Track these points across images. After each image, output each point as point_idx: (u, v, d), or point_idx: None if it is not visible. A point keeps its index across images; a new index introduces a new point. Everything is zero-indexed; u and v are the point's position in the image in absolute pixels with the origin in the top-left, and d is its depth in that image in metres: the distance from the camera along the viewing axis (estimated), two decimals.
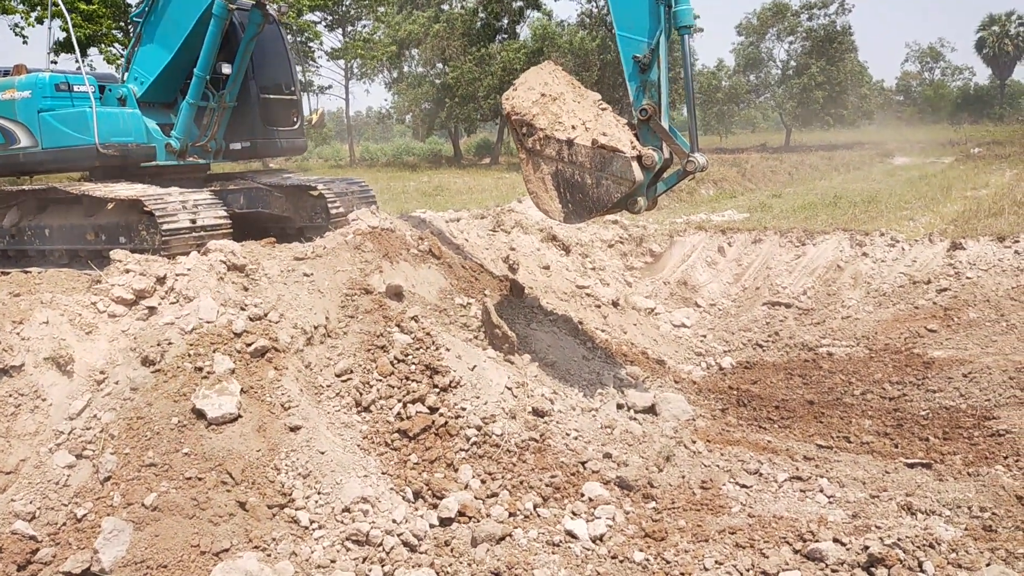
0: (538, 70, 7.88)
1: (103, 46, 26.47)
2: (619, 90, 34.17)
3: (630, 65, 7.15)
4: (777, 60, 55.75)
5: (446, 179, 28.21)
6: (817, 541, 5.30)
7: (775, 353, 10.42)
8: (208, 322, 6.45)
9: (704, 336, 11.21)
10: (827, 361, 9.76)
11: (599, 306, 10.64)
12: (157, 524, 5.23)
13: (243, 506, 5.40)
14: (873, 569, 5.00)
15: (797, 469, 6.56)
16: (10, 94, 8.76)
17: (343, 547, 5.33)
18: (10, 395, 5.85)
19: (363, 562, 5.25)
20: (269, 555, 5.18)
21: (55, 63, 24.31)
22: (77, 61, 10.28)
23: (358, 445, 6.17)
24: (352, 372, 6.72)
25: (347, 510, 5.53)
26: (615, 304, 10.95)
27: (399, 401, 6.49)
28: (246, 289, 7.07)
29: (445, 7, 43.78)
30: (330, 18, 43.31)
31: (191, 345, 6.25)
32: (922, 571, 4.95)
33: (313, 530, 5.42)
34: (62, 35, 24.17)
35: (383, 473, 5.97)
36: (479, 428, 6.33)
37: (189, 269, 7.04)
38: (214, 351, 6.22)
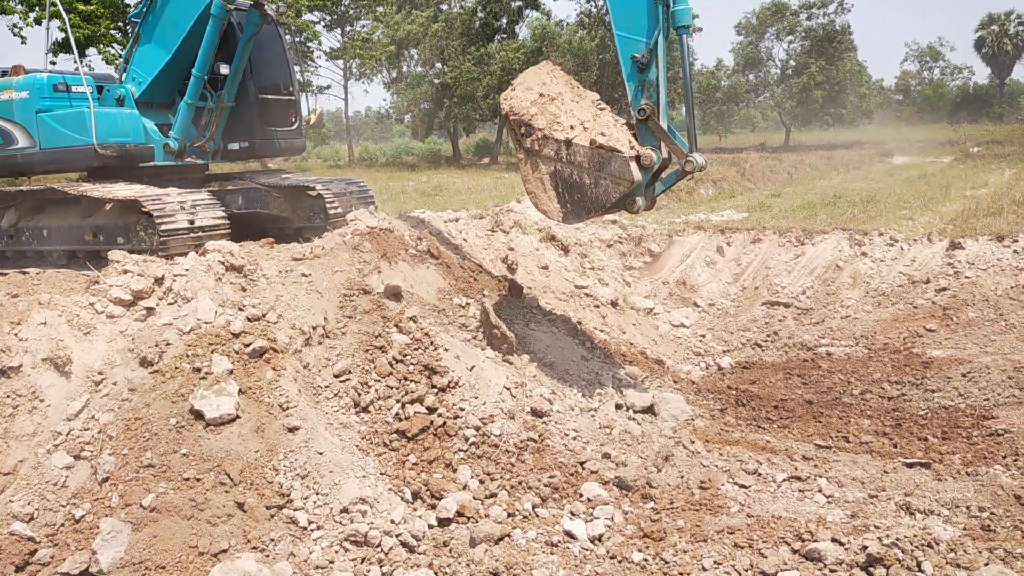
0: (536, 70, 7.88)
1: (101, 46, 26.45)
2: (618, 90, 34.14)
3: (628, 65, 7.14)
4: (776, 59, 55.76)
5: (445, 179, 28.22)
6: (816, 541, 5.30)
7: (774, 353, 10.42)
8: (206, 323, 6.44)
9: (703, 336, 11.21)
10: (826, 361, 9.76)
11: (598, 306, 10.63)
12: (155, 525, 5.22)
13: (241, 507, 5.40)
14: (872, 569, 5.00)
15: (796, 469, 6.56)
16: (8, 95, 8.76)
17: (341, 548, 5.33)
18: (8, 396, 5.85)
19: (361, 563, 5.25)
20: (267, 556, 5.18)
21: (53, 63, 24.32)
22: (75, 61, 10.29)
23: (356, 446, 6.16)
24: (350, 372, 6.72)
25: (345, 511, 5.53)
26: (614, 304, 10.94)
27: (397, 401, 6.48)
28: (244, 290, 7.07)
29: (444, 7, 43.77)
30: (329, 18, 43.31)
31: (189, 346, 6.24)
32: (920, 571, 4.95)
33: (311, 531, 5.41)
34: (60, 35, 24.19)
35: (381, 474, 5.97)
36: (478, 428, 6.33)
37: (187, 270, 7.04)
38: (212, 352, 6.22)
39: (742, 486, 6.32)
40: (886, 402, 8.40)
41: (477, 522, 5.60)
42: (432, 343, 6.92)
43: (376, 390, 6.58)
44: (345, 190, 9.58)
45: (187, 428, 5.73)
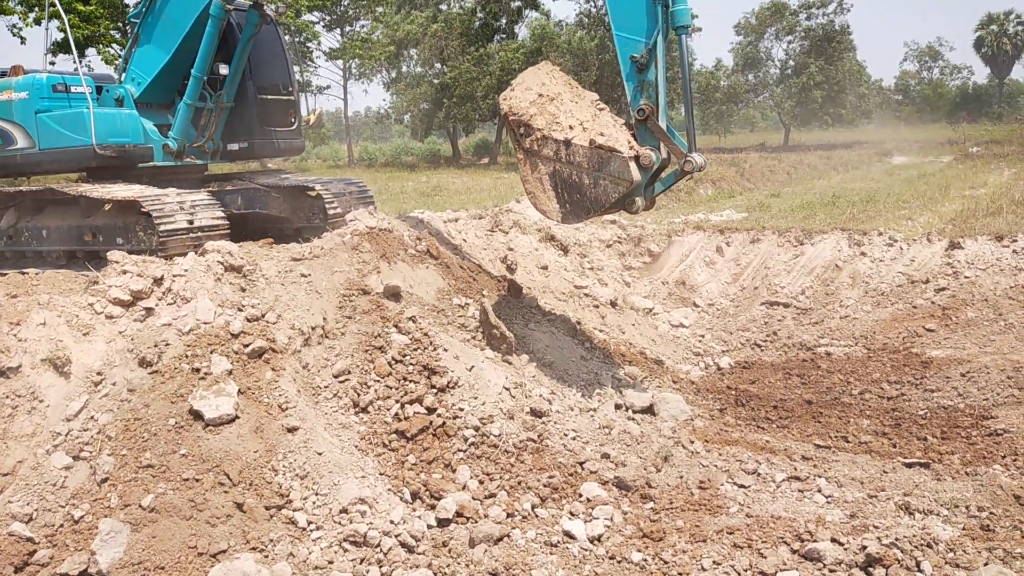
0: (535, 70, 7.88)
1: (101, 47, 26.47)
2: (617, 90, 34.14)
3: (628, 65, 7.15)
4: (775, 59, 55.77)
5: (444, 179, 28.22)
6: (815, 541, 5.30)
7: (773, 353, 10.42)
8: (205, 323, 6.44)
9: (702, 336, 11.21)
10: (825, 361, 9.76)
11: (597, 306, 10.63)
12: (154, 525, 5.22)
13: (240, 507, 5.39)
14: (871, 569, 5.00)
15: (795, 469, 6.56)
16: (7, 95, 8.76)
17: (341, 548, 5.33)
18: (7, 396, 5.84)
19: (361, 563, 5.25)
20: (266, 556, 5.18)
21: (53, 64, 24.29)
22: (75, 62, 10.30)
23: (356, 446, 6.16)
24: (350, 373, 6.72)
25: (345, 511, 5.53)
26: (613, 304, 10.94)
27: (397, 402, 6.48)
28: (243, 290, 7.07)
29: (443, 7, 43.80)
30: (328, 18, 43.34)
31: (188, 346, 6.24)
32: (920, 571, 4.95)
33: (311, 531, 5.41)
34: (60, 36, 24.19)
35: (381, 474, 5.97)
36: (477, 429, 6.33)
37: (186, 270, 7.04)
38: (211, 352, 6.22)
39: (741, 486, 6.32)
40: (885, 402, 8.40)
41: (476, 522, 5.60)
42: (431, 343, 6.92)
43: (375, 390, 6.57)
44: (344, 190, 9.58)
45: (186, 428, 5.73)
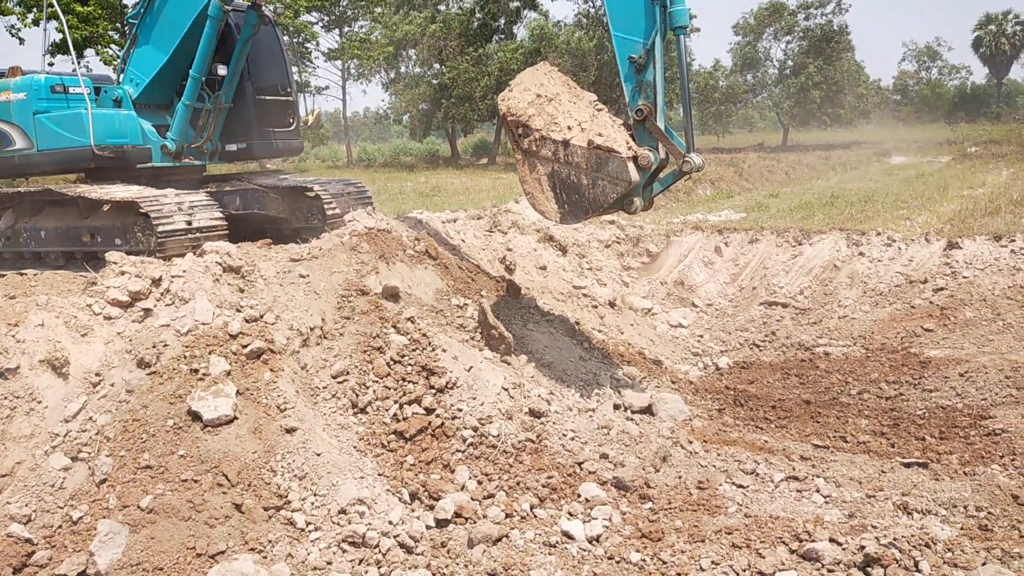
0: (534, 71, 7.88)
1: (99, 48, 26.46)
2: (616, 90, 34.14)
3: (626, 66, 7.15)
4: (774, 60, 55.84)
5: (443, 179, 28.21)
6: (813, 541, 5.30)
7: (772, 353, 10.43)
8: (204, 324, 6.44)
9: (701, 336, 11.21)
10: (824, 361, 9.76)
11: (596, 306, 10.64)
12: (153, 526, 5.22)
13: (239, 508, 5.39)
14: (869, 569, 5.01)
15: (793, 469, 6.56)
16: (5, 96, 8.75)
17: (339, 549, 5.33)
18: (5, 397, 5.84)
19: (359, 564, 5.25)
20: (265, 557, 5.18)
21: (51, 65, 24.26)
22: (73, 63, 10.28)
23: (354, 447, 6.16)
24: (348, 373, 6.72)
25: (343, 512, 5.53)
26: (612, 304, 10.95)
27: (395, 402, 6.48)
28: (242, 291, 7.07)
29: (442, 7, 43.82)
30: (327, 19, 43.34)
31: (187, 347, 6.24)
32: (918, 571, 4.95)
33: (309, 532, 5.41)
34: (58, 37, 24.17)
35: (379, 475, 5.97)
36: (475, 429, 6.33)
37: (185, 271, 7.03)
38: (210, 353, 6.21)
39: (740, 486, 6.32)
40: (884, 402, 8.40)
41: (475, 523, 5.60)
42: (430, 344, 6.92)
43: (374, 391, 6.58)
44: (343, 191, 9.58)
45: (184, 429, 5.72)
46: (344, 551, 5.31)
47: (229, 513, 5.35)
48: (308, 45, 38.66)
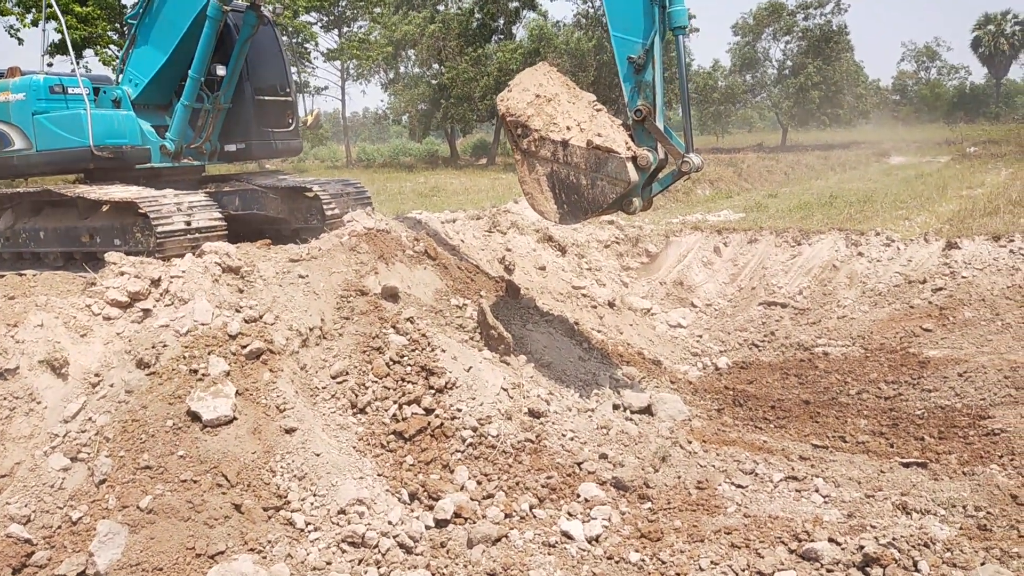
0: (533, 71, 7.88)
1: (98, 48, 26.45)
2: (616, 90, 34.12)
3: (625, 66, 7.15)
4: (773, 60, 55.83)
5: (442, 180, 28.21)
6: (812, 541, 5.31)
7: (771, 353, 10.43)
8: (203, 324, 6.44)
9: (700, 336, 11.22)
10: (823, 361, 9.77)
11: (595, 307, 10.64)
12: (152, 527, 5.22)
13: (238, 508, 5.40)
14: (868, 569, 5.01)
15: (792, 469, 6.57)
16: (4, 96, 8.75)
17: (339, 549, 5.33)
18: (5, 398, 5.84)
19: (359, 564, 5.25)
20: (264, 557, 5.18)
21: (50, 65, 24.25)
22: (72, 63, 10.26)
23: (354, 447, 6.17)
24: (348, 374, 6.72)
25: (343, 512, 5.53)
26: (611, 304, 10.95)
27: (395, 403, 6.49)
28: (241, 291, 7.07)
29: (441, 8, 43.80)
30: (326, 19, 43.34)
31: (186, 347, 6.24)
32: (917, 570, 4.96)
33: (309, 532, 5.42)
34: (57, 37, 24.15)
35: (379, 475, 5.97)
36: (475, 429, 6.33)
37: (184, 271, 7.04)
38: (209, 353, 6.21)
39: (739, 486, 6.33)
40: (883, 402, 8.41)
41: (474, 523, 5.61)
42: (429, 344, 6.93)
43: (373, 391, 6.58)
44: (342, 191, 9.58)
45: (184, 430, 5.73)
46: (343, 551, 5.31)
47: (228, 513, 5.35)
48: (307, 45, 38.69)
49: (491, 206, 13.92)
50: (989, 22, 75.33)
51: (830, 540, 5.29)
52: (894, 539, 5.14)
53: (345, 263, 7.79)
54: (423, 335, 7.00)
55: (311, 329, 6.96)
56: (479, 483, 6.01)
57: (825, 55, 50.34)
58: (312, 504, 5.56)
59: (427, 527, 5.59)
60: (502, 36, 43.99)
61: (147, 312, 6.70)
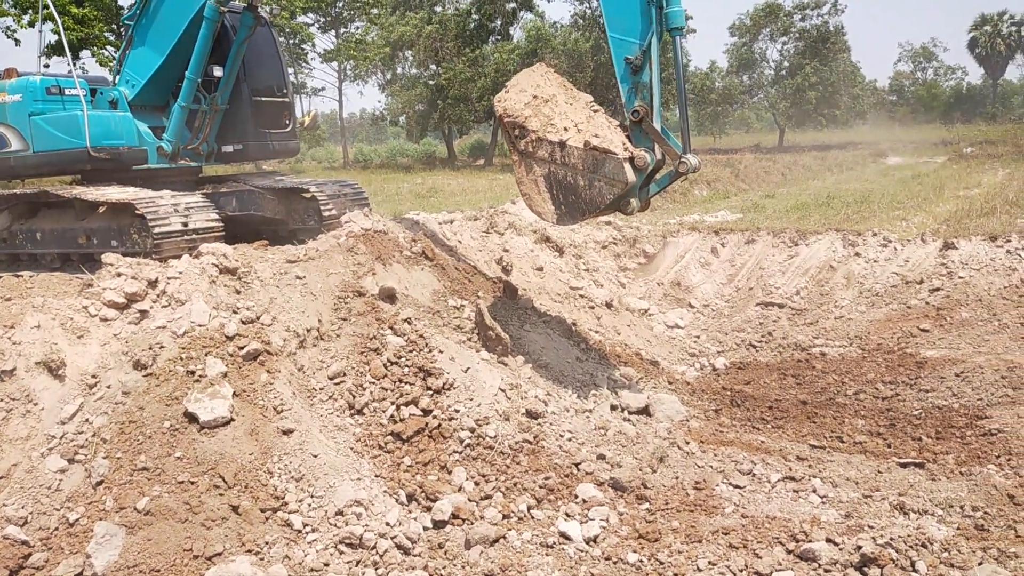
0: (530, 72, 7.88)
1: (95, 49, 26.41)
2: (613, 91, 34.16)
3: (622, 67, 7.16)
4: (770, 61, 55.90)
5: (440, 181, 28.18)
6: (810, 541, 5.31)
7: (768, 353, 10.44)
8: (200, 325, 6.44)
9: (698, 337, 11.22)
10: (820, 361, 9.77)
11: (593, 307, 10.64)
12: (150, 528, 5.21)
13: (236, 510, 5.39)
14: (866, 569, 5.01)
15: (790, 469, 6.57)
16: (1, 98, 8.74)
17: (336, 550, 5.32)
18: (2, 399, 5.83)
19: (356, 565, 5.24)
20: (262, 559, 5.17)
21: (47, 66, 24.24)
22: (69, 64, 10.25)
23: (351, 448, 6.16)
24: (345, 375, 6.72)
25: (340, 513, 5.52)
26: (609, 305, 10.96)
27: (392, 404, 6.48)
28: (238, 292, 7.06)
29: (438, 8, 43.80)
30: (323, 20, 43.31)
31: (183, 348, 6.23)
32: (915, 571, 4.96)
33: (306, 533, 5.41)
34: (54, 38, 24.12)
35: (376, 476, 5.97)
36: (472, 430, 6.33)
37: (181, 272, 7.03)
38: (206, 354, 6.21)
39: (737, 486, 6.33)
40: (880, 402, 8.42)
41: (472, 524, 5.61)
42: (427, 345, 6.92)
43: (371, 392, 6.57)
44: (339, 192, 9.58)
45: (181, 431, 5.72)
46: (341, 552, 5.31)
47: (226, 515, 5.34)
48: (304, 46, 38.66)
49: (489, 207, 13.92)
50: (985, 23, 75.48)
51: (828, 540, 5.30)
52: (892, 539, 5.14)
53: (342, 264, 7.79)
54: (421, 336, 7.00)
55: (308, 330, 6.95)
56: (477, 484, 6.00)
57: (822, 56, 50.42)
58: (310, 505, 5.55)
59: (425, 528, 5.59)
60: (499, 37, 44.00)
61: (144, 313, 6.69)
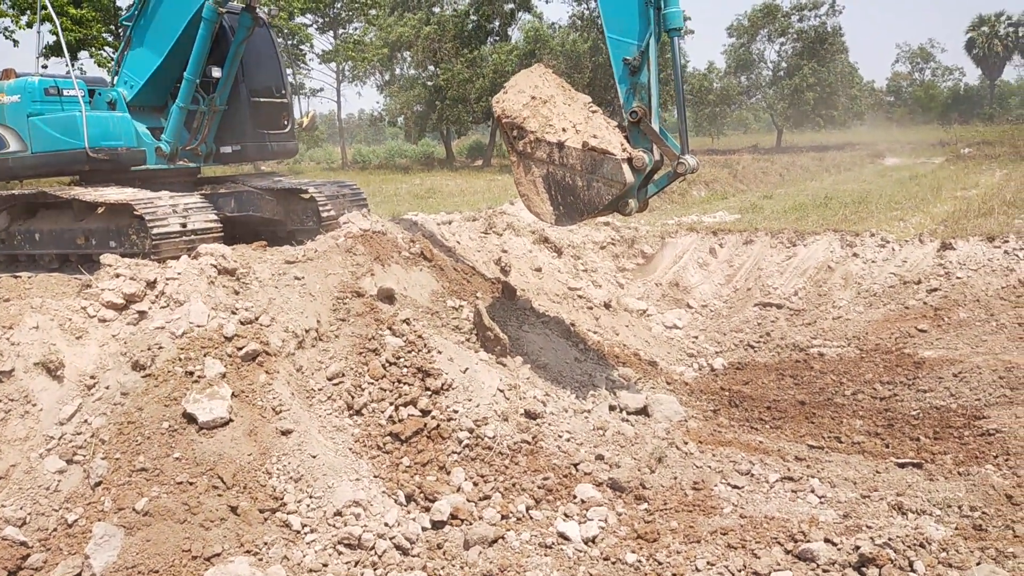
0: (528, 73, 7.89)
1: (93, 50, 26.41)
2: (611, 92, 34.13)
3: (620, 67, 7.17)
4: (768, 61, 55.94)
5: (438, 181, 28.20)
6: (808, 541, 5.32)
7: (766, 354, 10.45)
8: (199, 326, 6.44)
9: (696, 337, 11.23)
10: (818, 361, 9.79)
11: (591, 308, 10.65)
12: (148, 529, 5.21)
13: (234, 510, 5.39)
14: (864, 569, 5.02)
15: (788, 469, 6.58)
16: None
17: (335, 551, 5.32)
18: (0, 400, 5.82)
19: (355, 566, 5.24)
20: (261, 559, 5.17)
21: (45, 67, 24.26)
22: (67, 65, 10.25)
23: (350, 448, 6.16)
24: (343, 375, 6.72)
25: (339, 514, 5.53)
26: (607, 306, 10.96)
27: (391, 404, 6.49)
28: (237, 293, 7.06)
29: (436, 9, 43.82)
30: (321, 21, 43.31)
31: (182, 349, 6.23)
32: (913, 571, 4.97)
33: (305, 534, 5.41)
34: (52, 39, 24.11)
35: (375, 476, 5.97)
36: (471, 431, 6.33)
37: (179, 273, 7.03)
38: (205, 355, 6.21)
39: (735, 487, 6.34)
40: (878, 402, 8.43)
41: (471, 524, 5.61)
42: (425, 345, 6.93)
43: (369, 393, 6.58)
44: (338, 193, 9.58)
45: (180, 432, 5.72)
46: (340, 553, 5.31)
47: (225, 515, 5.34)
48: (302, 47, 38.66)
49: (487, 207, 13.93)
50: (983, 23, 75.60)
51: (826, 540, 5.30)
52: (890, 539, 5.15)
53: (341, 265, 7.79)
54: (419, 336, 7.00)
55: (307, 331, 6.95)
56: (475, 484, 6.01)
57: (820, 57, 50.47)
58: (308, 506, 5.55)
59: (423, 529, 5.59)
60: (498, 38, 44.03)
61: (143, 314, 6.69)
